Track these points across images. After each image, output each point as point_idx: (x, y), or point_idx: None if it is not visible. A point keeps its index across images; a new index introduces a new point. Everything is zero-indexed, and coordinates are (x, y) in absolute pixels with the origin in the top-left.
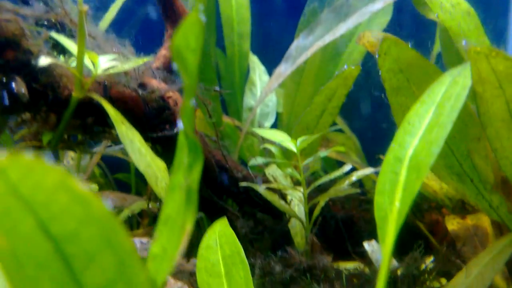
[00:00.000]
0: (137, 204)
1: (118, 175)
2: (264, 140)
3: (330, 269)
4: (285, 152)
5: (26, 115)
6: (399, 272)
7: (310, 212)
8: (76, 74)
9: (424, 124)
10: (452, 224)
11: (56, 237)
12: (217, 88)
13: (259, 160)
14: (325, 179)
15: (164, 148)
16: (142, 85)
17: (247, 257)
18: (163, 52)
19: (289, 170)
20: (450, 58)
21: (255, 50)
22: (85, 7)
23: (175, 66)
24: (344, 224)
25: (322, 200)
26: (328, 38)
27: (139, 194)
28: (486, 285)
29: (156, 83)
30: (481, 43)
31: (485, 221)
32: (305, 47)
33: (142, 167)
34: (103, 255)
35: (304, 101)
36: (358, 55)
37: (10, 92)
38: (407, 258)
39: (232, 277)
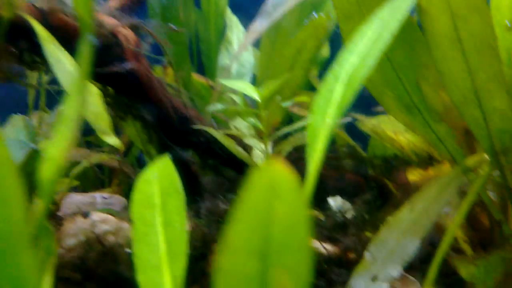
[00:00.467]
0: (95, 156)
1: (89, 138)
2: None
3: None
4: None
5: None
6: (349, 215)
7: None
8: None
9: (364, 40)
10: (414, 175)
11: None
12: (174, 27)
13: (218, 106)
14: (288, 129)
15: (117, 89)
16: None
17: (199, 201)
18: None
19: (252, 119)
20: None
21: (235, 10)
22: None
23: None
24: None
25: (283, 150)
26: None
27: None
28: (432, 220)
29: (106, 19)
30: None
31: (446, 171)
32: (281, 1)
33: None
34: None
35: (280, 60)
36: None
37: None
38: (358, 201)
39: (166, 206)
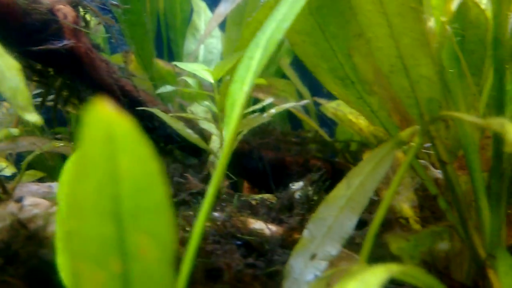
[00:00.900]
0: (49, 144)
1: (58, 129)
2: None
3: (229, 194)
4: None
5: None
6: (296, 195)
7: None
8: None
9: (286, 4)
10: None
11: None
12: (114, 1)
13: (168, 88)
14: (245, 111)
15: (56, 69)
16: None
17: None
18: None
19: (206, 103)
20: None
21: None
22: None
23: None
24: (274, 166)
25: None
26: None
27: None
28: (368, 196)
29: None
30: None
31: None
32: None
33: None
34: None
35: (240, 43)
36: None
37: None
38: (305, 181)
39: None
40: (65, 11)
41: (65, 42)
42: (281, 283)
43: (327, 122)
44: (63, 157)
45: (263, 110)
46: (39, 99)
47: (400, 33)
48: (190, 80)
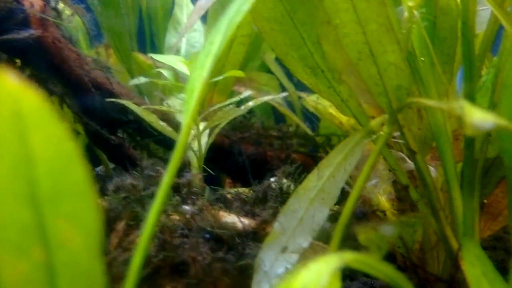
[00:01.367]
0: None
1: None
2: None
3: (202, 188)
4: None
5: None
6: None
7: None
8: None
9: None
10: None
11: None
12: None
13: (141, 80)
14: (220, 105)
15: (22, 60)
16: None
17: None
18: None
19: (183, 95)
20: None
21: None
22: None
23: None
24: (254, 161)
25: (216, 126)
26: None
27: None
28: (339, 186)
29: None
30: None
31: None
32: None
33: None
34: None
35: None
36: None
37: None
38: (280, 173)
39: None
40: (32, 0)
41: (31, 31)
42: (252, 277)
43: (311, 117)
44: None
45: (240, 103)
46: None
47: (367, 18)
48: (166, 73)
